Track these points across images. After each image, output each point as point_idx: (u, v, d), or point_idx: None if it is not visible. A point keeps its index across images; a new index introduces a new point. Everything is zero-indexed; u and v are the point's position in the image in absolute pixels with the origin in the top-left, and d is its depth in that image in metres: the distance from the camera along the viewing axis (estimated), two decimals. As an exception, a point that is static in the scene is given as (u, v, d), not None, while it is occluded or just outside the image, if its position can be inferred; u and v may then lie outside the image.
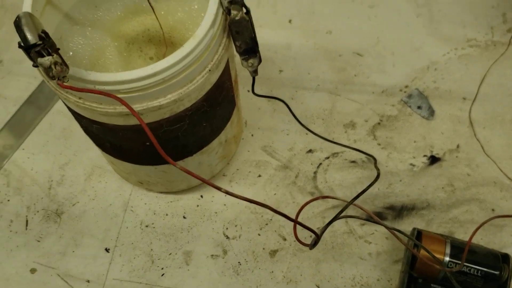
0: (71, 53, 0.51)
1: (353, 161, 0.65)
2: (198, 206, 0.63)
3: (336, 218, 0.50)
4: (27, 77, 0.73)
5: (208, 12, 0.43)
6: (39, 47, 0.39)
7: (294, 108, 0.67)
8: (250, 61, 0.47)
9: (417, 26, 0.75)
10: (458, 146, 0.66)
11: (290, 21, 0.77)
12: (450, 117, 0.68)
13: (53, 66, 0.36)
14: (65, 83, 0.37)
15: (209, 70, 0.45)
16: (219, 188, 0.39)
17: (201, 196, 0.64)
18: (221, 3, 0.44)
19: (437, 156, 0.65)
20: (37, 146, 0.68)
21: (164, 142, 0.50)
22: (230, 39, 0.47)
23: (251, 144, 0.67)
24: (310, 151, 0.66)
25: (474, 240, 0.55)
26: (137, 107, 0.43)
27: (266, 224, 0.62)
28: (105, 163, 0.66)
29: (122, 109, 0.43)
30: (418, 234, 0.56)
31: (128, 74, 0.41)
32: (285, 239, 0.61)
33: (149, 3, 0.52)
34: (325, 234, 0.61)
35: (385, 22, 0.76)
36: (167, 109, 0.45)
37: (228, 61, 0.49)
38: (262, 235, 0.61)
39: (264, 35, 0.74)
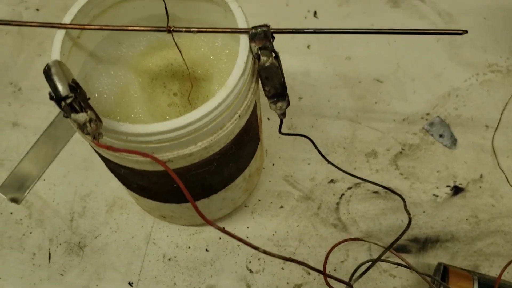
0: (96, 94, 0.51)
1: (376, 192, 0.65)
2: (220, 238, 0.63)
3: (371, 266, 0.49)
4: (46, 105, 0.73)
5: (239, 60, 0.43)
6: (71, 99, 0.39)
7: (315, 137, 0.67)
8: (279, 104, 0.47)
9: (438, 50, 0.75)
10: (481, 176, 0.65)
11: (308, 46, 0.76)
12: (473, 146, 0.67)
13: (88, 124, 0.36)
14: (100, 142, 0.37)
15: (239, 116, 0.45)
16: (221, 229, 0.39)
17: (224, 228, 0.63)
18: (251, 49, 0.44)
19: (460, 186, 0.65)
20: (58, 176, 0.68)
21: (192, 184, 0.50)
22: (258, 83, 0.47)
23: (272, 174, 0.67)
24: (332, 181, 0.66)
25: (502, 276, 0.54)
26: (167, 155, 0.43)
27: (290, 257, 0.61)
28: (126, 194, 0.66)
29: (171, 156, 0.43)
30: (445, 270, 0.56)
31: (161, 125, 0.40)
32: (309, 273, 0.60)
33: (173, 39, 0.52)
34: (348, 267, 0.60)
35: (405, 47, 0.75)
36: (197, 155, 0.44)
37: (255, 103, 0.48)
38: (285, 269, 0.61)
39: (282, 61, 0.74)
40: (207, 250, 0.62)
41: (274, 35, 0.45)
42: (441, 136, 0.68)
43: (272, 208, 0.65)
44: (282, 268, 0.61)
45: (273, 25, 0.45)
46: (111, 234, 0.64)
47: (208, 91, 0.55)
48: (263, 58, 0.43)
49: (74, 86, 0.40)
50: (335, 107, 0.71)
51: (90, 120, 0.36)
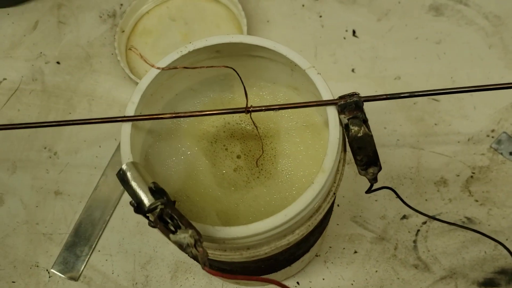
0: (162, 174, 0.47)
1: (453, 223, 0.61)
2: (296, 293, 0.59)
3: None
4: (87, 167, 0.68)
5: (331, 138, 0.39)
6: (160, 211, 0.35)
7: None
8: (370, 170, 0.42)
9: (492, 58, 0.70)
10: (561, 193, 0.61)
11: (353, 70, 0.72)
12: (547, 161, 0.63)
13: (193, 248, 0.32)
14: (213, 269, 0.33)
15: (334, 194, 0.41)
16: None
17: (298, 283, 0.60)
18: (340, 121, 0.40)
19: (541, 207, 0.61)
20: (113, 245, 0.64)
21: (279, 261, 0.47)
22: (345, 152, 0.43)
23: (339, 216, 0.63)
24: (404, 217, 0.62)
25: None
26: (264, 249, 0.39)
27: (377, 306, 0.58)
28: (188, 257, 0.62)
29: (249, 254, 0.39)
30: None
31: (262, 225, 0.36)
32: (397, 322, 0.57)
33: (251, 120, 0.48)
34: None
35: (456, 59, 0.71)
36: (296, 239, 0.41)
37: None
38: (371, 320, 0.57)
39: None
40: (285, 309, 0.58)
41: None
42: (511, 154, 0.64)
43: (346, 254, 0.61)
44: (368, 320, 0.57)
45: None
46: (179, 302, 0.60)
47: (273, 149, 0.51)
48: (354, 129, 0.39)
49: (154, 189, 0.36)
50: (393, 134, 0.66)
51: (195, 242, 0.32)
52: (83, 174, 0.68)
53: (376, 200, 0.63)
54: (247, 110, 0.41)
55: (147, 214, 0.35)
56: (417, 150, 0.65)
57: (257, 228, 0.36)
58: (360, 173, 0.43)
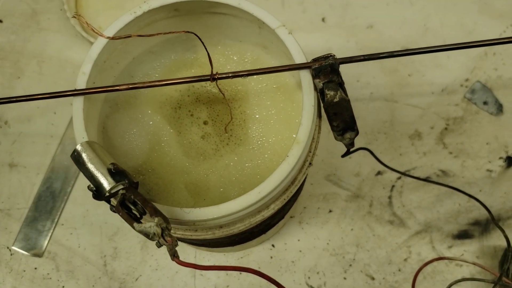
0: (123, 148, 0.43)
1: (428, 177, 0.60)
2: (272, 257, 0.58)
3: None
4: (42, 136, 0.63)
5: (306, 106, 0.36)
6: (122, 195, 0.32)
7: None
8: (347, 135, 0.40)
9: (466, 3, 0.67)
10: (534, 141, 0.61)
11: (323, 19, 0.67)
12: (520, 109, 0.62)
13: (160, 238, 0.29)
14: (182, 260, 0.30)
15: (310, 163, 0.38)
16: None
17: (273, 246, 0.58)
18: (314, 86, 0.37)
19: (514, 156, 0.60)
20: (77, 218, 0.60)
21: (254, 232, 0.45)
22: (320, 118, 0.40)
23: (313, 176, 0.61)
24: (379, 173, 0.60)
25: None
26: (238, 227, 0.36)
27: (350, 265, 0.57)
28: (159, 226, 0.59)
29: (221, 233, 0.36)
30: (520, 258, 0.53)
31: (233, 205, 0.34)
32: (373, 278, 0.57)
33: (217, 87, 0.44)
34: (413, 264, 0.57)
35: (429, 5, 0.67)
36: (268, 214, 0.38)
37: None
38: (348, 279, 0.57)
39: (298, 41, 0.66)
40: (261, 273, 0.57)
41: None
42: (485, 103, 0.62)
43: (321, 214, 0.59)
44: (344, 278, 0.57)
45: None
46: (152, 273, 0.58)
47: (242, 113, 0.47)
48: (330, 94, 0.36)
49: (117, 172, 0.33)
50: (367, 87, 0.64)
51: (163, 231, 0.29)
52: (38, 143, 0.63)
53: (350, 158, 0.61)
54: (212, 77, 0.37)
55: (109, 199, 0.32)
56: (391, 103, 0.63)
57: (229, 208, 0.33)
58: (336, 139, 0.41)
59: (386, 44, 0.65)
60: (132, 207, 0.33)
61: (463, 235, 0.58)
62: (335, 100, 0.36)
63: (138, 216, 0.32)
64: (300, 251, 0.58)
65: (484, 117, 0.62)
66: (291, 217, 0.59)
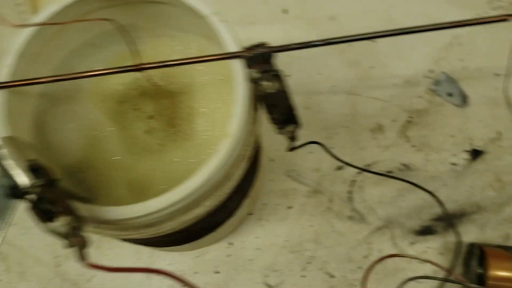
0: (59, 144, 0.41)
1: (390, 171, 0.58)
2: (229, 256, 0.56)
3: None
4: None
5: (238, 98, 0.34)
6: (37, 195, 0.30)
7: (311, 119, 0.59)
8: (288, 128, 0.38)
9: (430, -7, 0.66)
10: (499, 133, 0.59)
11: (285, 11, 0.66)
12: (485, 100, 0.60)
13: (69, 238, 0.27)
14: (92, 263, 0.28)
15: (248, 158, 0.36)
16: None
17: (230, 244, 0.57)
18: (248, 76, 0.35)
19: (478, 149, 0.59)
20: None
21: (195, 231, 0.43)
22: (257, 110, 0.38)
23: (273, 171, 0.59)
24: (339, 168, 0.59)
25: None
26: (170, 225, 0.35)
27: (308, 262, 0.56)
28: (113, 224, 0.58)
29: (151, 232, 0.35)
30: (482, 253, 0.52)
31: (155, 203, 0.32)
32: (332, 276, 0.55)
33: (146, 79, 0.42)
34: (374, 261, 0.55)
35: (394, -6, 0.66)
36: (204, 211, 0.36)
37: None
38: (307, 276, 0.55)
39: (258, 34, 0.64)
40: (217, 272, 0.56)
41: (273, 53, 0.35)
42: (449, 95, 0.61)
43: (280, 211, 0.58)
44: (303, 276, 0.55)
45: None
46: (106, 273, 0.56)
47: (189, 107, 0.46)
48: (266, 84, 0.34)
49: (36, 169, 0.31)
50: (328, 80, 0.62)
51: (74, 231, 0.28)
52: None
53: (310, 152, 0.59)
54: (138, 68, 0.35)
55: (26, 197, 0.30)
56: (353, 96, 0.61)
57: (150, 207, 0.32)
58: (277, 132, 0.39)
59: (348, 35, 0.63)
60: (50, 206, 0.31)
61: (425, 231, 0.56)
62: (271, 91, 0.35)
63: (53, 215, 0.30)
64: (259, 248, 0.56)
65: (448, 109, 0.60)
66: (250, 214, 0.58)
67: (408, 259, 0.55)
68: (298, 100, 0.60)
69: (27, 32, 0.37)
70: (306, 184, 0.58)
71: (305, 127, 0.59)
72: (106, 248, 0.57)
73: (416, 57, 0.62)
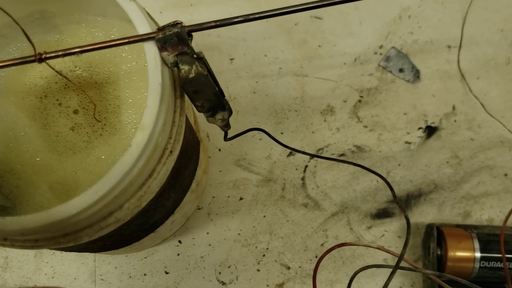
0: (-36, 150, 0.37)
1: (342, 154, 0.56)
2: (179, 254, 0.53)
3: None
4: None
5: (151, 84, 0.30)
6: None
7: (259, 104, 0.56)
8: (218, 116, 0.35)
9: (377, -35, 0.63)
10: (454, 108, 0.57)
11: (226, -10, 0.62)
12: (438, 74, 0.58)
13: None
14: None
15: (171, 152, 0.33)
16: None
17: (180, 242, 0.54)
18: (163, 60, 0.31)
19: (433, 125, 0.57)
20: (-39, 228, 0.54)
21: (131, 233, 0.39)
22: (183, 98, 0.34)
23: (221, 162, 0.56)
24: (291, 154, 0.56)
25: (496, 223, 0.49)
26: (88, 232, 0.31)
27: (263, 255, 0.53)
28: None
29: (68, 241, 0.31)
30: (440, 234, 0.50)
31: (63, 209, 0.28)
32: (289, 268, 0.52)
33: (51, 67, 0.38)
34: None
35: (339, -32, 0.62)
36: (127, 215, 0.33)
37: (186, 119, 0.36)
38: (262, 270, 0.53)
39: (199, 16, 0.60)
40: (166, 273, 0.53)
41: (192, 33, 0.32)
42: (401, 70, 0.58)
43: (231, 203, 0.55)
44: (258, 270, 0.53)
45: None
46: (48, 281, 0.53)
47: (116, 98, 0.42)
48: (184, 69, 0.31)
49: None
50: (275, 62, 0.59)
51: None
52: None
53: (260, 139, 0.56)
54: (39, 58, 0.31)
55: None
56: (301, 77, 0.58)
57: (57, 214, 0.28)
58: (208, 121, 0.36)
59: (293, 14, 0.60)
60: None
61: (382, 214, 0.54)
62: (191, 75, 0.31)
63: None
64: (210, 244, 0.53)
65: (400, 86, 0.58)
66: (199, 208, 0.55)
67: (367, 247, 0.53)
68: (244, 84, 0.57)
69: None
70: (257, 173, 0.55)
71: (253, 113, 0.56)
72: (48, 255, 0.53)
73: (365, 33, 0.60)
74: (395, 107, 0.57)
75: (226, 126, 0.37)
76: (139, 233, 0.42)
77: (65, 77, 0.37)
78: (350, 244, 0.40)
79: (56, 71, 0.36)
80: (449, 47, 0.59)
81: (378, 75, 0.58)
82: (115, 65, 0.42)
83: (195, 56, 0.32)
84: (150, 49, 0.32)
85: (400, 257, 0.35)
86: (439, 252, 0.49)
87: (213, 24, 0.33)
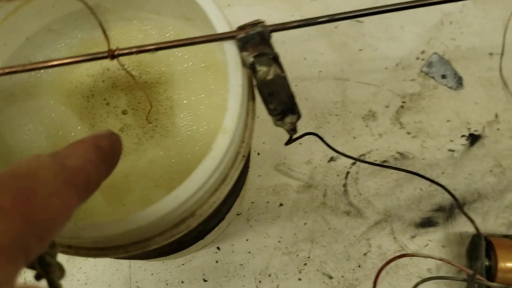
0: (20, 149, 0.35)
1: (385, 161, 0.54)
2: (217, 262, 0.51)
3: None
4: None
5: (232, 86, 0.29)
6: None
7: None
8: (287, 120, 0.33)
9: (417, -31, 0.61)
10: (496, 116, 0.56)
11: (264, -9, 0.61)
12: (480, 81, 0.57)
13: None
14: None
15: (243, 156, 0.31)
16: None
17: (218, 248, 0.52)
18: (243, 61, 0.30)
19: (476, 133, 0.55)
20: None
21: (189, 240, 0.38)
22: (254, 100, 0.33)
23: (261, 166, 0.54)
24: (332, 159, 0.54)
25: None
26: (158, 241, 0.29)
27: (305, 264, 0.51)
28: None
29: (137, 250, 0.29)
30: (488, 244, 0.48)
31: (142, 217, 0.26)
32: (331, 277, 0.51)
33: (121, 65, 0.36)
34: (374, 258, 0.51)
35: (379, -29, 0.61)
36: (197, 220, 0.31)
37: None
38: (303, 279, 0.51)
39: (237, 17, 0.58)
40: (205, 280, 0.51)
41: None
42: (443, 77, 0.57)
43: (271, 209, 0.53)
44: (299, 279, 0.51)
45: None
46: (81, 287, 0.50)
47: (168, 99, 0.40)
48: (262, 70, 0.29)
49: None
50: (315, 65, 0.57)
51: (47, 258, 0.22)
52: None
53: (300, 144, 0.55)
54: (111, 54, 0.29)
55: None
56: (342, 81, 0.57)
57: (136, 221, 0.26)
58: (275, 124, 0.34)
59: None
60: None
61: (426, 223, 0.53)
62: (269, 77, 0.30)
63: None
64: (249, 252, 0.52)
65: (443, 92, 0.57)
66: (238, 214, 0.53)
67: (411, 257, 0.51)
68: (283, 88, 0.55)
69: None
70: (297, 178, 0.54)
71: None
72: (81, 260, 0.51)
73: (407, 37, 0.58)
74: (438, 113, 0.56)
75: (293, 130, 0.35)
76: (193, 240, 0.40)
77: (131, 75, 0.36)
78: (412, 255, 0.39)
79: (126, 70, 0.35)
80: (491, 54, 0.58)
81: (420, 81, 0.57)
82: (167, 64, 0.41)
83: (273, 57, 0.31)
84: (230, 48, 0.30)
85: (474, 273, 0.34)
86: (487, 263, 0.48)
87: (296, 24, 0.31)
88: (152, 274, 0.51)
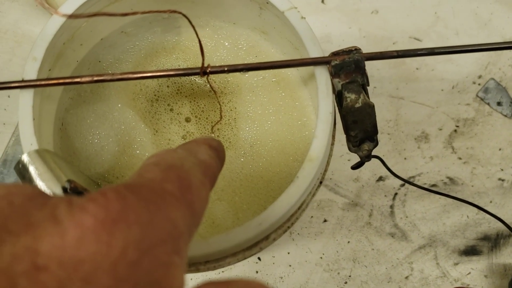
0: (87, 151, 0.35)
1: (434, 185, 0.54)
2: (257, 272, 0.51)
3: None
4: None
5: (321, 115, 0.28)
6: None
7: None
8: (364, 147, 0.33)
9: (480, -10, 0.60)
10: (550, 149, 0.55)
11: (323, 0, 0.59)
12: (537, 111, 0.56)
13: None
14: None
15: (320, 182, 0.31)
16: None
17: (259, 259, 0.51)
18: (332, 86, 0.29)
19: (528, 164, 0.54)
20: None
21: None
22: (335, 127, 0.32)
23: (307, 179, 0.53)
24: (380, 179, 0.54)
25: None
26: (229, 261, 0.29)
27: (345, 282, 0.51)
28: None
29: (207, 268, 0.29)
30: (536, 281, 0.48)
31: (225, 239, 0.26)
32: (371, 298, 0.50)
33: (208, 83, 0.35)
34: (415, 282, 0.51)
35: (441, -11, 0.60)
36: (269, 243, 0.31)
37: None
38: (343, 297, 0.50)
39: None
40: (245, 290, 0.50)
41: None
42: (499, 104, 0.56)
43: (314, 224, 0.52)
44: (339, 297, 0.50)
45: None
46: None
47: (232, 110, 0.40)
48: (350, 97, 0.29)
49: (74, 192, 0.25)
50: (370, 80, 0.56)
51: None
52: None
53: (348, 160, 0.54)
54: (203, 71, 0.29)
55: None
56: (396, 99, 0.56)
57: (219, 244, 0.26)
58: (350, 150, 0.34)
59: (392, 32, 0.58)
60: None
61: (470, 251, 0.52)
62: (357, 105, 0.29)
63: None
64: (290, 265, 0.51)
65: (497, 120, 0.56)
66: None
67: (452, 281, 0.51)
68: (336, 102, 0.54)
69: (56, 21, 0.30)
70: (343, 195, 0.53)
71: (341, 132, 0.53)
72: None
73: (464, 60, 0.57)
74: (491, 141, 0.55)
75: (367, 157, 0.34)
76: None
77: (215, 92, 0.35)
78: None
79: (212, 88, 0.34)
80: (549, 84, 0.57)
81: (475, 106, 0.56)
82: (234, 76, 0.40)
83: (362, 84, 0.30)
84: (322, 74, 0.29)
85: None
86: (532, 299, 0.47)
87: (395, 54, 0.30)
88: (191, 279, 0.50)
